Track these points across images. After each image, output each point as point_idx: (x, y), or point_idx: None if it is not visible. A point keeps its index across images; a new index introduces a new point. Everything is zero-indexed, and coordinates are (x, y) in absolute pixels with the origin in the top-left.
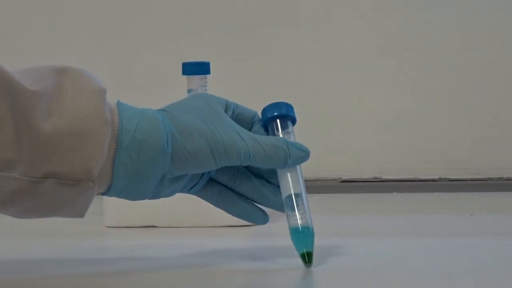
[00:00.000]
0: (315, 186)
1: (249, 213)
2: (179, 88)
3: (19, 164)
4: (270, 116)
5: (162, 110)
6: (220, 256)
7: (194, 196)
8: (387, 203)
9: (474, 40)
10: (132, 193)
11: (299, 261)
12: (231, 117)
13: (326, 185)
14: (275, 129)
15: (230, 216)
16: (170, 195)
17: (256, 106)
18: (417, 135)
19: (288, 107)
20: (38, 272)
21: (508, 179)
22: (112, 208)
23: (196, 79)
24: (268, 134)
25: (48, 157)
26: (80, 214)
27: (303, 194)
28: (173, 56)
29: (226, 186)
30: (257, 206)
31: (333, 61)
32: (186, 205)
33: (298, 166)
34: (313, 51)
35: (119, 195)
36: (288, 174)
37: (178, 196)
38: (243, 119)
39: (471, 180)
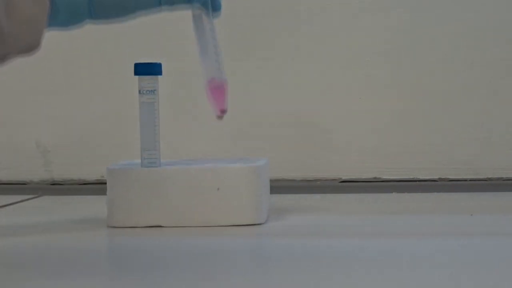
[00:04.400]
0: (315, 186)
1: None
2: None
3: None
4: None
5: None
6: (225, 255)
7: (199, 196)
8: (387, 203)
9: (474, 40)
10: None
11: (302, 262)
12: None
13: (326, 185)
14: None
15: (236, 215)
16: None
17: (254, 106)
18: (417, 135)
19: None
20: (41, 272)
21: (508, 179)
22: (117, 208)
23: (146, 79)
24: None
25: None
26: None
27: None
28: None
29: None
30: None
31: (333, 61)
32: (192, 204)
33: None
34: (313, 51)
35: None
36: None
37: (184, 196)
38: None
39: (471, 180)
